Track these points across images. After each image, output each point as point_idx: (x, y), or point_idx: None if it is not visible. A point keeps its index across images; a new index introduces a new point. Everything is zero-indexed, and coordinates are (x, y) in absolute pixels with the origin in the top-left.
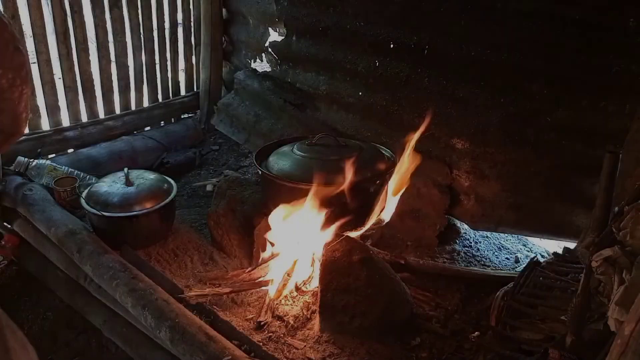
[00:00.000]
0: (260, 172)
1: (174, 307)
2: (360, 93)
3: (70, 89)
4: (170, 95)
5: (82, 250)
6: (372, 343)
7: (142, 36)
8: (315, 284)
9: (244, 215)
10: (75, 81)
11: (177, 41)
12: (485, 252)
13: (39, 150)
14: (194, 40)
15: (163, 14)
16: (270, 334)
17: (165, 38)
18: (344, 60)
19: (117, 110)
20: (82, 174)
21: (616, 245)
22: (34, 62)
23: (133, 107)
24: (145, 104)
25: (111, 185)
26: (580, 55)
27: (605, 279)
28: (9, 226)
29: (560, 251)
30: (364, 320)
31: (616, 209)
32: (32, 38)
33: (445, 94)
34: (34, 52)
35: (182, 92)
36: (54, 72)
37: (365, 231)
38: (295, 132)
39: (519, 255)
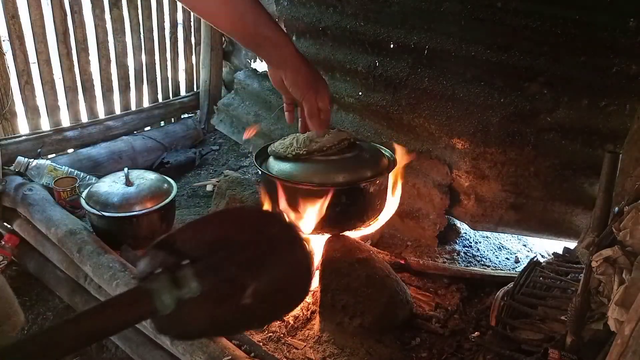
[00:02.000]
0: (260, 173)
1: None
2: (360, 93)
3: (70, 89)
4: (170, 95)
5: (82, 250)
6: (372, 343)
7: (142, 36)
8: (315, 284)
9: None
10: (75, 81)
11: (177, 41)
12: (485, 252)
13: (39, 150)
14: (194, 40)
15: (163, 14)
16: (270, 334)
17: (165, 38)
18: (344, 60)
19: (117, 110)
20: (82, 174)
21: (616, 245)
22: (34, 62)
23: (133, 107)
24: (145, 104)
25: (111, 185)
26: (580, 55)
27: (605, 279)
28: (9, 226)
29: (560, 251)
30: (363, 320)
31: (616, 209)
32: (32, 38)
33: (445, 94)
34: (34, 52)
35: (182, 92)
36: (54, 72)
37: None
38: (295, 132)
39: (519, 255)
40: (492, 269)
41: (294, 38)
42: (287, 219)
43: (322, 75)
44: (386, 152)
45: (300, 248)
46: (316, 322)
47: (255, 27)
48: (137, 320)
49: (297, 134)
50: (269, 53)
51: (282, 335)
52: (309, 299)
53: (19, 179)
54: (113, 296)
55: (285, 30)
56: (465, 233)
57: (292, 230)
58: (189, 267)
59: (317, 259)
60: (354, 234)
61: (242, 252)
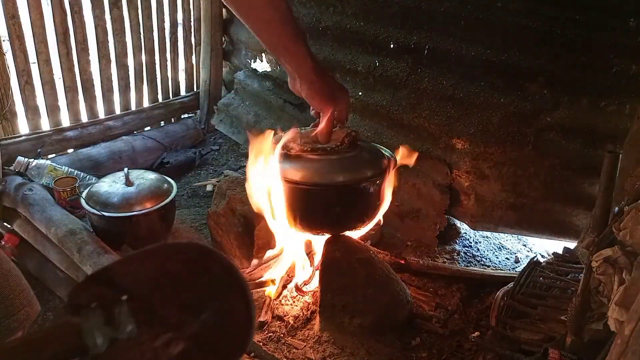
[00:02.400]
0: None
1: None
2: (360, 93)
3: (70, 89)
4: (170, 95)
5: (82, 250)
6: (372, 343)
7: (142, 36)
8: (315, 284)
9: (244, 215)
10: (75, 81)
11: (177, 41)
12: (485, 252)
13: (39, 150)
14: (194, 40)
15: (163, 14)
16: (270, 334)
17: (165, 38)
18: (344, 60)
19: (117, 110)
20: (82, 174)
21: (616, 245)
22: (34, 62)
23: (133, 107)
24: (145, 104)
25: (111, 185)
26: (580, 55)
27: (605, 279)
28: (9, 226)
29: (560, 251)
30: (364, 320)
31: (616, 209)
32: (32, 38)
33: (445, 94)
34: (34, 52)
35: (182, 92)
36: (54, 72)
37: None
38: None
39: (519, 255)
40: (492, 269)
41: None
42: (230, 261)
43: (342, 87)
44: (386, 152)
45: (243, 292)
46: (316, 322)
47: (279, 37)
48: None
49: (299, 129)
50: (287, 64)
51: (282, 335)
52: (308, 298)
53: (19, 179)
54: (36, 329)
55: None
56: (465, 233)
57: (235, 273)
58: (126, 305)
59: (317, 259)
60: (354, 234)
61: (183, 293)
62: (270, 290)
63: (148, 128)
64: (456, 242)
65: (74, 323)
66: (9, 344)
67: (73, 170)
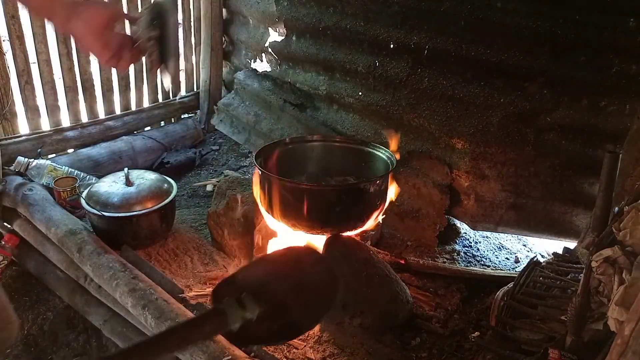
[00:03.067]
0: (260, 172)
1: (174, 307)
2: (360, 93)
3: (70, 89)
4: (170, 95)
5: (82, 250)
6: (372, 343)
7: None
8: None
9: (244, 215)
10: (75, 81)
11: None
12: (485, 252)
13: (39, 150)
14: (194, 40)
15: None
16: None
17: None
18: (344, 60)
19: (117, 110)
20: (82, 174)
21: (616, 245)
22: (34, 62)
23: (133, 107)
24: (146, 104)
25: (111, 185)
26: (580, 55)
27: (605, 279)
28: (9, 226)
29: (560, 251)
30: (364, 320)
31: (616, 209)
32: (32, 38)
33: (445, 94)
34: (34, 52)
35: (182, 92)
36: (54, 72)
37: (365, 231)
38: (295, 132)
39: (519, 255)
40: (492, 269)
41: (293, 38)
42: (320, 254)
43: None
44: (386, 152)
45: (331, 277)
46: None
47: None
48: (215, 333)
49: None
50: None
51: None
52: None
53: (19, 179)
54: (196, 316)
55: None
56: (465, 233)
57: (324, 262)
58: (249, 295)
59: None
60: (354, 234)
61: (287, 282)
62: None
63: (148, 128)
64: (456, 242)
65: (219, 308)
66: (182, 326)
67: (73, 170)
